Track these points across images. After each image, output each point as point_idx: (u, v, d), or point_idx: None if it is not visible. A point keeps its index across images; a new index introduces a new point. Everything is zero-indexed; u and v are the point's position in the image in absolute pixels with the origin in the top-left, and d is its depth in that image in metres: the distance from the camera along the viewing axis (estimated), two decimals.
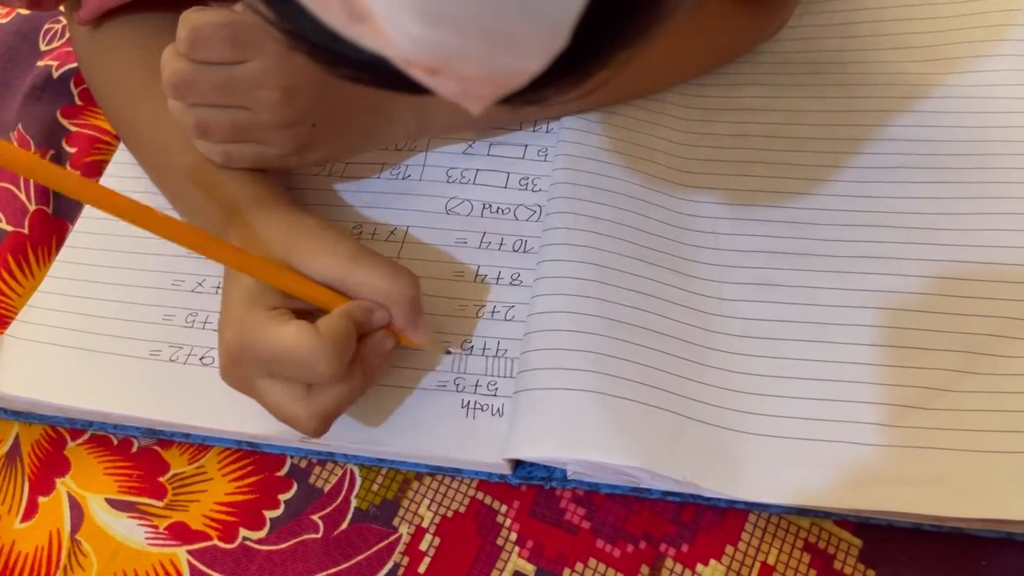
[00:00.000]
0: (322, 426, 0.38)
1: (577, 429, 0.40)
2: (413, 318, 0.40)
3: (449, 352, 0.45)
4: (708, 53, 0.53)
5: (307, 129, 0.43)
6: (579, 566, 0.41)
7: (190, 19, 0.38)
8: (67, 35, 0.63)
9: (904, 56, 0.54)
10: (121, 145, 0.56)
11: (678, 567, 0.41)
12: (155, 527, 0.44)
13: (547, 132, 0.53)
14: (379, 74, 0.23)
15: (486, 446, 0.42)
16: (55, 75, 0.60)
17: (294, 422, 0.38)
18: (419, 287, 0.40)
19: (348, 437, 0.43)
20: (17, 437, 0.48)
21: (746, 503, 0.41)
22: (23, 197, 0.55)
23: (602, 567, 0.41)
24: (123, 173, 0.55)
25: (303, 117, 0.42)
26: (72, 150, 0.57)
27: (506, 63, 0.21)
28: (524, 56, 0.21)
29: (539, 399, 0.41)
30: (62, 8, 0.54)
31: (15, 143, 0.57)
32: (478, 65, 0.21)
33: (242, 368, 0.38)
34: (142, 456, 0.46)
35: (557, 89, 0.23)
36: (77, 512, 0.45)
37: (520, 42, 0.20)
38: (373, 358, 0.39)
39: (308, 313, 0.38)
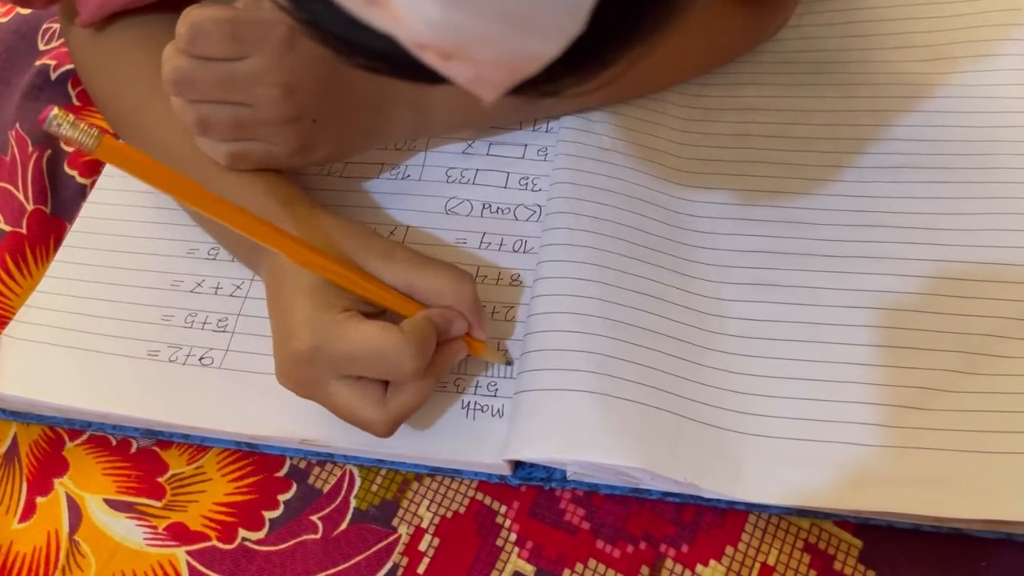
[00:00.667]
0: (394, 428, 0.39)
1: (577, 430, 0.40)
2: (478, 316, 0.41)
3: (510, 363, 0.45)
4: (709, 52, 0.53)
5: (308, 126, 0.42)
6: (579, 567, 0.41)
7: (190, 15, 0.38)
8: None
9: (906, 56, 0.54)
10: None
11: (678, 568, 0.41)
12: (154, 527, 0.44)
13: (547, 132, 0.53)
14: (394, 63, 0.23)
15: (486, 447, 0.42)
16: (53, 75, 0.60)
17: (367, 425, 0.39)
18: (475, 286, 0.40)
19: (348, 438, 0.42)
20: (15, 437, 0.48)
21: (746, 504, 0.41)
22: (21, 197, 0.55)
23: (602, 568, 0.41)
24: (120, 172, 0.55)
25: (303, 113, 0.42)
26: (69, 149, 0.57)
27: (523, 47, 0.21)
28: (541, 40, 0.21)
29: (539, 400, 0.41)
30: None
31: (13, 143, 0.57)
32: (494, 49, 0.21)
33: (315, 370, 0.38)
34: (141, 456, 0.46)
35: (573, 80, 0.23)
36: (75, 512, 0.45)
37: (537, 25, 0.20)
38: (446, 366, 0.40)
39: (373, 315, 0.39)
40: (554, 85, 0.24)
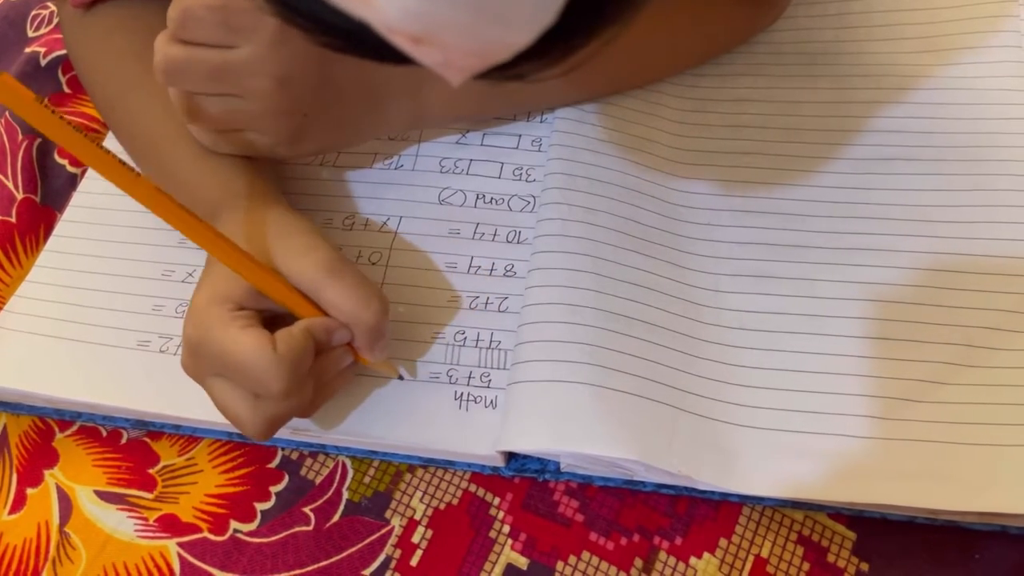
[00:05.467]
0: (267, 432, 0.38)
1: (571, 421, 0.40)
2: (373, 343, 0.39)
3: (401, 378, 0.44)
4: (704, 43, 0.53)
5: (299, 119, 0.42)
6: (572, 559, 0.41)
7: (182, 1, 0.38)
8: (55, 21, 0.63)
9: (898, 47, 0.54)
10: (109, 134, 0.56)
11: (671, 560, 0.41)
12: (145, 519, 0.44)
13: (541, 122, 0.53)
14: (361, 43, 0.22)
15: (479, 438, 0.42)
16: (43, 62, 0.60)
17: (238, 423, 0.38)
18: (386, 314, 0.39)
19: (340, 429, 0.42)
20: (5, 428, 0.47)
21: (740, 496, 0.41)
22: (10, 185, 0.54)
23: (595, 560, 0.41)
24: None
25: (295, 107, 0.41)
26: None
27: (493, 36, 0.21)
28: (512, 30, 0.21)
29: (532, 391, 0.41)
30: None
31: (2, 131, 0.56)
32: (465, 37, 0.21)
33: (198, 361, 0.38)
34: (131, 447, 0.46)
35: (539, 65, 0.23)
36: (66, 504, 0.44)
37: (510, 16, 0.20)
38: (328, 374, 0.39)
39: (276, 316, 0.38)
40: (520, 69, 0.24)
